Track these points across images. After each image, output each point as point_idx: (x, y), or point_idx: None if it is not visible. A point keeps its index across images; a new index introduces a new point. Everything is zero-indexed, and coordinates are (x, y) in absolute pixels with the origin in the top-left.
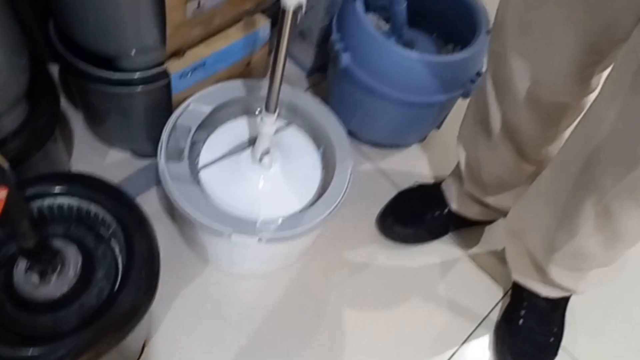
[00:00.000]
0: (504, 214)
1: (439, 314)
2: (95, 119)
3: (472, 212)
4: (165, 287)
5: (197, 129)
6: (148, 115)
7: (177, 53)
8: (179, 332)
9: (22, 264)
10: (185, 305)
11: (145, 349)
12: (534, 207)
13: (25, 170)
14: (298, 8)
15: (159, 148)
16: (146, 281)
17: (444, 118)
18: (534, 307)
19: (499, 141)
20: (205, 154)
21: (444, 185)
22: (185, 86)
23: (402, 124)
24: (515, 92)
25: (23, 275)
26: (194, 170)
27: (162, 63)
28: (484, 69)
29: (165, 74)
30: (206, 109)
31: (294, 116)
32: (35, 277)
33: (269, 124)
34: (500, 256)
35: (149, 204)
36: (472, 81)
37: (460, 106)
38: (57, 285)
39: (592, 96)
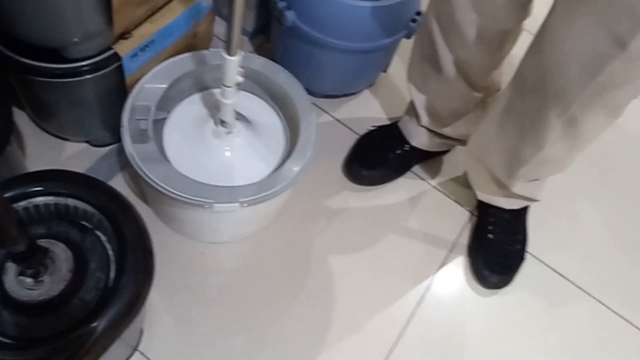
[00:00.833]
0: (460, 141)
1: (415, 242)
2: (45, 115)
3: (431, 144)
4: None
5: (156, 108)
6: (102, 103)
7: (124, 34)
8: (173, 309)
9: (11, 270)
10: (175, 282)
11: (144, 332)
12: (495, 130)
13: None
14: None
15: (122, 132)
16: (142, 262)
17: (390, 61)
18: (500, 221)
19: (449, 75)
20: (170, 133)
21: (400, 124)
22: (137, 66)
23: (352, 72)
24: (460, 27)
25: (15, 280)
26: (161, 150)
27: (110, 47)
28: (423, 9)
29: (116, 57)
30: (162, 86)
31: (252, 83)
32: (28, 280)
33: (229, 97)
34: (462, 181)
35: None
36: (414, 21)
37: (404, 47)
38: (52, 284)
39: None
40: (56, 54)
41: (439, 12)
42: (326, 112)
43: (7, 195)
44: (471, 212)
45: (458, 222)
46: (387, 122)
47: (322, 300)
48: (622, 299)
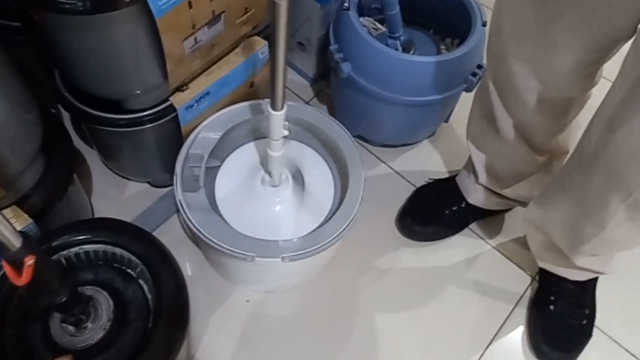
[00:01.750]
0: (521, 202)
1: (469, 307)
2: (109, 157)
3: (489, 203)
4: (197, 311)
5: (209, 156)
6: (160, 149)
7: (181, 87)
8: (216, 354)
9: (57, 315)
10: (219, 327)
11: None
12: (555, 201)
13: (51, 219)
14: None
15: (174, 180)
16: (177, 315)
17: (451, 112)
18: (563, 291)
19: (508, 137)
20: (221, 181)
21: (458, 179)
22: (192, 117)
23: (409, 124)
24: (518, 92)
25: (59, 326)
26: (212, 198)
27: (167, 99)
28: (484, 61)
29: (171, 109)
30: (216, 136)
31: (304, 131)
32: (70, 328)
33: (276, 149)
34: (523, 242)
35: (172, 231)
36: (474, 74)
37: (467, 97)
38: (92, 332)
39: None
40: (119, 106)
41: (495, 73)
42: (383, 162)
43: (59, 242)
44: (532, 278)
45: (518, 287)
46: (445, 175)
47: None
48: None
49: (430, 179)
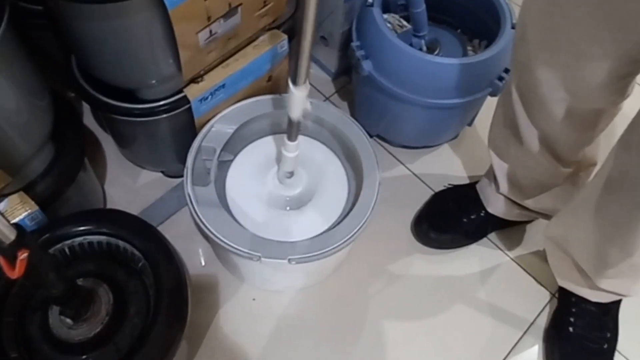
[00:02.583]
0: (544, 215)
1: (483, 321)
2: (124, 145)
3: (510, 214)
4: (202, 307)
5: (222, 150)
6: (174, 139)
7: (196, 78)
8: (218, 351)
9: (56, 307)
10: (224, 324)
11: None
12: (578, 221)
13: (59, 206)
14: None
15: (185, 173)
16: (177, 314)
17: (475, 115)
18: (584, 313)
19: (531, 147)
20: (233, 175)
21: (478, 187)
22: (207, 109)
23: (431, 127)
24: (544, 103)
25: (58, 318)
26: (222, 193)
27: (181, 90)
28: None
29: (186, 100)
30: (230, 129)
31: (320, 129)
32: (68, 320)
33: (291, 150)
34: (545, 256)
35: (182, 223)
36: (500, 79)
37: (493, 100)
38: (90, 326)
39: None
40: (134, 95)
41: (520, 82)
42: (401, 163)
43: (64, 231)
44: (552, 294)
45: (536, 303)
46: (466, 181)
47: None
48: None
49: (449, 184)
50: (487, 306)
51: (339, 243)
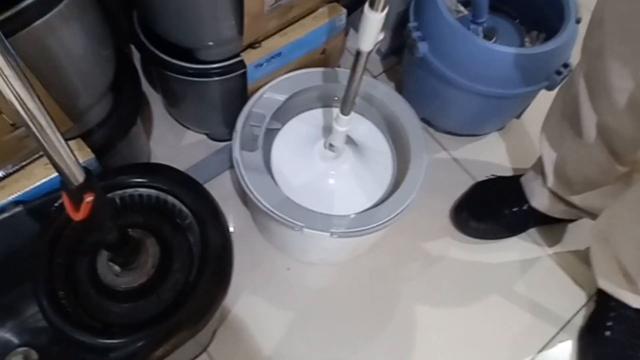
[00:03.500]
0: (590, 214)
1: (517, 315)
2: (173, 104)
3: (554, 210)
4: (236, 272)
5: (271, 118)
6: (224, 103)
7: (254, 44)
8: (247, 318)
9: (104, 253)
10: (256, 291)
11: (216, 334)
12: (631, 218)
13: (111, 157)
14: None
15: (234, 137)
16: (220, 274)
17: (525, 108)
18: (623, 318)
19: (590, 141)
20: (279, 144)
21: (523, 180)
22: (260, 75)
23: (480, 115)
24: (612, 94)
25: (106, 264)
26: (267, 160)
27: (238, 54)
28: (571, 60)
29: (241, 64)
30: (281, 97)
31: (369, 106)
32: (116, 268)
33: (342, 124)
34: (585, 257)
35: (222, 186)
36: (559, 73)
37: (543, 95)
38: (136, 276)
39: None
40: (191, 55)
41: (588, 70)
42: (445, 150)
43: (117, 181)
44: (589, 297)
45: (572, 303)
46: (510, 173)
47: (400, 351)
48: None
49: (492, 175)
50: (522, 300)
51: (382, 221)
